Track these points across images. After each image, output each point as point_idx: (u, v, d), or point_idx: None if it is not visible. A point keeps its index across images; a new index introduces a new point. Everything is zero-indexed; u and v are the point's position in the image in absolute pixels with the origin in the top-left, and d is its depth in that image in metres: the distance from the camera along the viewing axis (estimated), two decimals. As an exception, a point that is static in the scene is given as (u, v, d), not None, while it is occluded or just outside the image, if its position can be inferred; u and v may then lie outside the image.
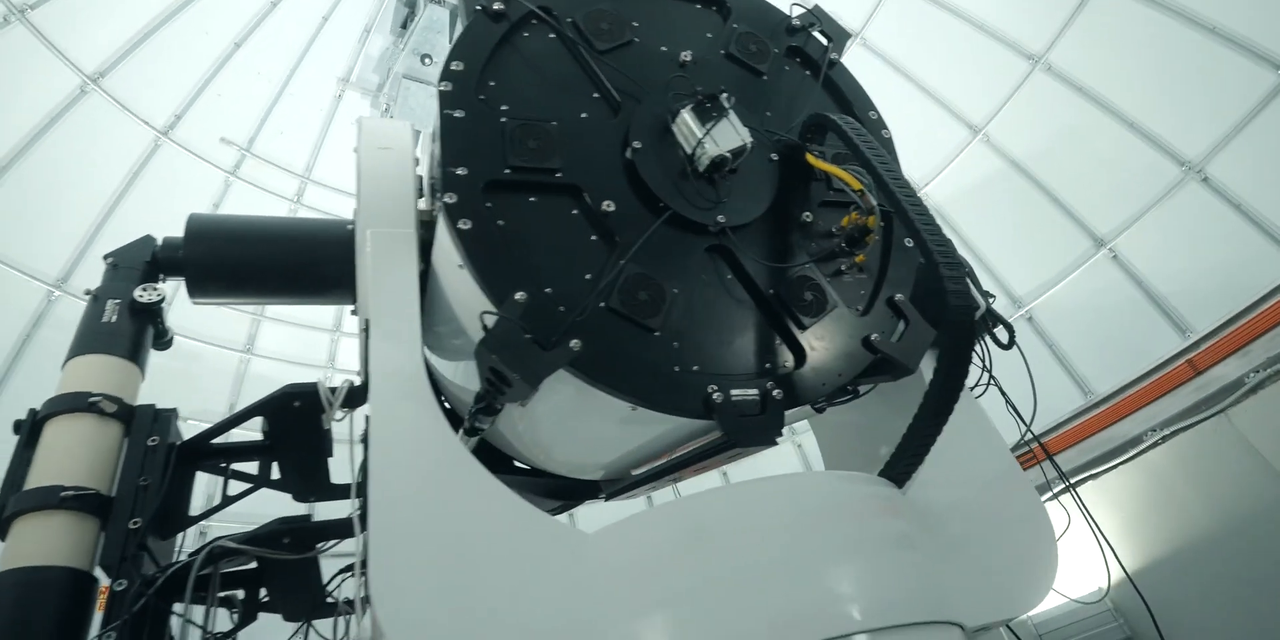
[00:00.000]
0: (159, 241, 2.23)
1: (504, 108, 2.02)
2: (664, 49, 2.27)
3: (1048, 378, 7.75)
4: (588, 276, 1.84)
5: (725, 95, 1.97)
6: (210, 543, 1.48)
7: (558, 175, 1.93)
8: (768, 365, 1.89)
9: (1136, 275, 7.42)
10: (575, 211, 1.94)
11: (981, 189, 8.49)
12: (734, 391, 1.79)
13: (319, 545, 1.56)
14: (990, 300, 2.75)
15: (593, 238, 1.91)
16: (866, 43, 8.89)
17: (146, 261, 2.10)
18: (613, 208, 1.93)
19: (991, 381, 2.90)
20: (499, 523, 1.51)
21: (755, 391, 1.80)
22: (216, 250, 2.10)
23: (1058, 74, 7.81)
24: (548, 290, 1.79)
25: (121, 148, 7.62)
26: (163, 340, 2.13)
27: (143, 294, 1.98)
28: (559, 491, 3.00)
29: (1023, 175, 8.12)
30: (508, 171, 1.90)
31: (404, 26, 9.18)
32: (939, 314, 2.18)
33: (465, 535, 1.46)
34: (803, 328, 1.93)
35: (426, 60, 8.88)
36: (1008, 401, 2.95)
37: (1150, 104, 7.34)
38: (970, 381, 2.01)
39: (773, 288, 1.95)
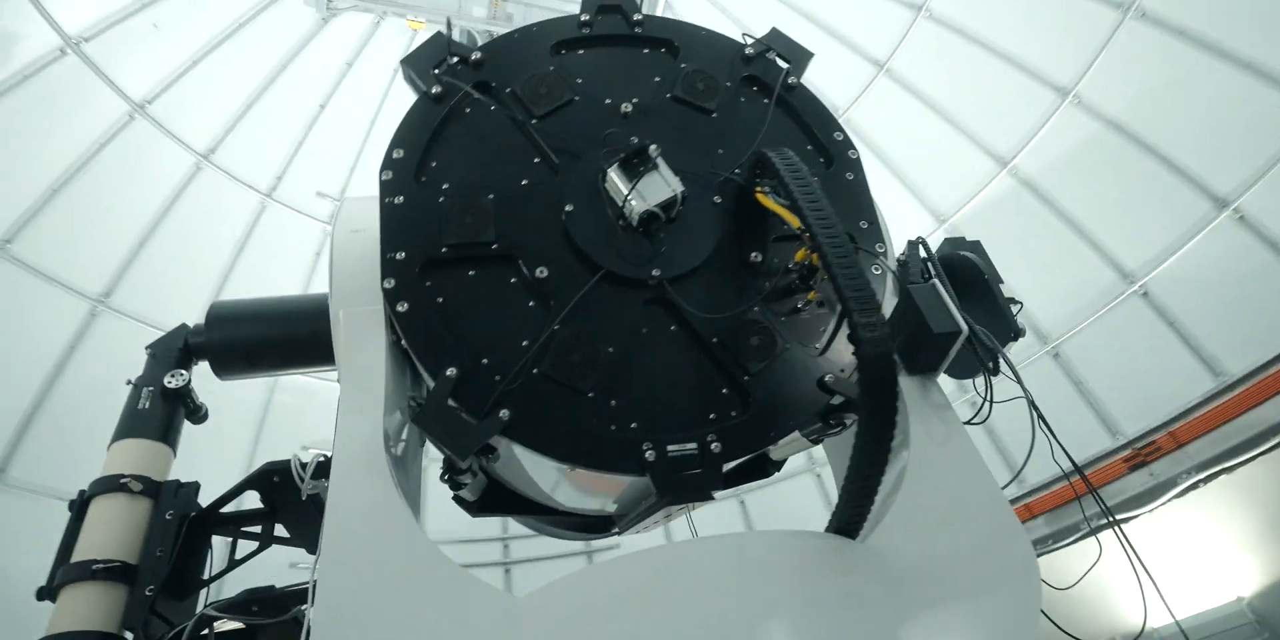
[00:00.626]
0: (190, 327, 2.55)
1: (445, 186, 2.13)
2: (608, 101, 2.28)
3: (1169, 359, 7.05)
4: (524, 343, 1.89)
5: (653, 147, 1.95)
6: (201, 610, 1.72)
7: (493, 247, 2.00)
8: (712, 416, 1.86)
9: (1270, 236, 6.59)
10: (514, 279, 2.00)
11: (1079, 155, 7.84)
12: (671, 447, 1.78)
13: (294, 608, 1.76)
14: (1017, 333, 2.57)
15: (531, 304, 1.96)
16: (931, 14, 8.43)
17: (179, 348, 2.41)
18: (546, 273, 1.97)
19: (1031, 406, 2.70)
20: (435, 590, 1.58)
21: (694, 445, 1.78)
22: (231, 334, 2.37)
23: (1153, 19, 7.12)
24: (484, 361, 1.87)
25: (163, 174, 8.04)
26: (197, 416, 2.44)
27: (171, 380, 2.28)
28: (578, 526, 3.10)
29: (1124, 136, 7.40)
30: (444, 250, 2.00)
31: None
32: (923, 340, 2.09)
33: (402, 603, 1.55)
34: (749, 374, 1.89)
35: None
36: (1046, 427, 2.73)
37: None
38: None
39: (717, 335, 1.91)
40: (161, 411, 2.24)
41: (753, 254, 1.99)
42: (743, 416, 1.84)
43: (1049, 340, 8.00)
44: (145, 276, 7.44)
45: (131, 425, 2.19)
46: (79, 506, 2.03)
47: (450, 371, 1.82)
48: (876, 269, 2.07)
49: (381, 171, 2.16)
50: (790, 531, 1.75)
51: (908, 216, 8.67)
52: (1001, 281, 2.54)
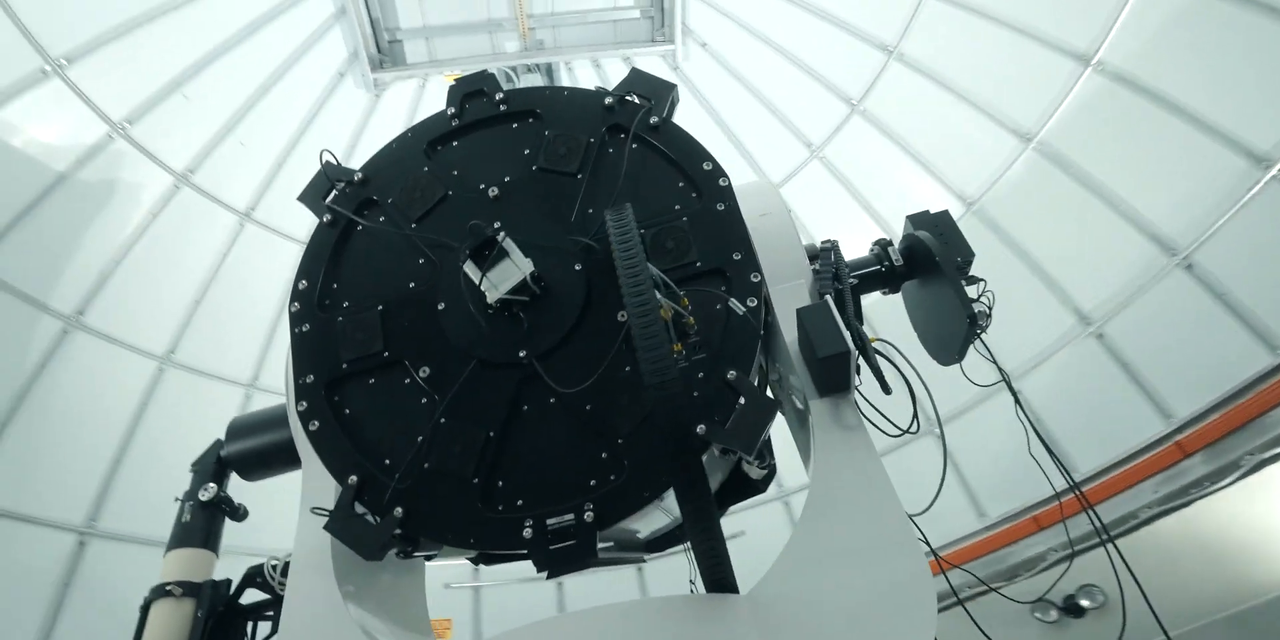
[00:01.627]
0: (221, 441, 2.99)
1: (345, 305, 2.29)
2: (481, 186, 2.36)
3: (1220, 334, 6.58)
4: (420, 439, 2.00)
5: (500, 235, 1.99)
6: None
7: (385, 355, 2.15)
8: (593, 483, 1.86)
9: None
10: (407, 381, 2.12)
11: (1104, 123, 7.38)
12: (551, 520, 1.81)
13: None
14: (971, 317, 2.54)
15: (424, 401, 2.08)
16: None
17: (212, 463, 2.85)
18: (428, 372, 2.09)
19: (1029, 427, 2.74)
20: None
21: (571, 517, 1.80)
22: (245, 444, 2.64)
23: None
24: (387, 462, 2.01)
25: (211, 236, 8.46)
26: (236, 515, 2.88)
27: (204, 493, 2.72)
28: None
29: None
30: (345, 366, 2.16)
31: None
32: None
33: None
34: (622, 437, 1.88)
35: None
36: (1046, 447, 2.78)
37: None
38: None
39: (591, 402, 1.92)
40: (201, 521, 2.67)
41: (619, 314, 1.97)
42: (619, 480, 1.85)
43: (1091, 321, 7.62)
44: (204, 330, 8.05)
45: (177, 536, 2.63)
46: (142, 611, 2.50)
47: (351, 479, 1.96)
48: (751, 300, 2.01)
49: (290, 303, 2.33)
50: (673, 597, 1.77)
51: (932, 198, 8.39)
52: (963, 259, 2.54)
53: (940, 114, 8.34)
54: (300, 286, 2.34)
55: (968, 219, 8.25)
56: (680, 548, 3.00)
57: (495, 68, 9.81)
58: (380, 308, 2.22)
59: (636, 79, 2.50)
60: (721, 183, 2.23)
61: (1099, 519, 2.86)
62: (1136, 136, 7.02)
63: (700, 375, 1.91)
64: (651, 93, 2.43)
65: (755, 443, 1.73)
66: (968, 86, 8.08)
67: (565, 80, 10.31)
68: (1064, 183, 7.56)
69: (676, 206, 2.22)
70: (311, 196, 2.47)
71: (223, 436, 2.79)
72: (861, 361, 2.24)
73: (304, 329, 2.27)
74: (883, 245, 2.95)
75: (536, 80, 9.60)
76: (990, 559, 7.33)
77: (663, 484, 1.82)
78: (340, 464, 2.05)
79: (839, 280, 2.50)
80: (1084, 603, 6.35)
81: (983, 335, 2.90)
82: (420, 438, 2.00)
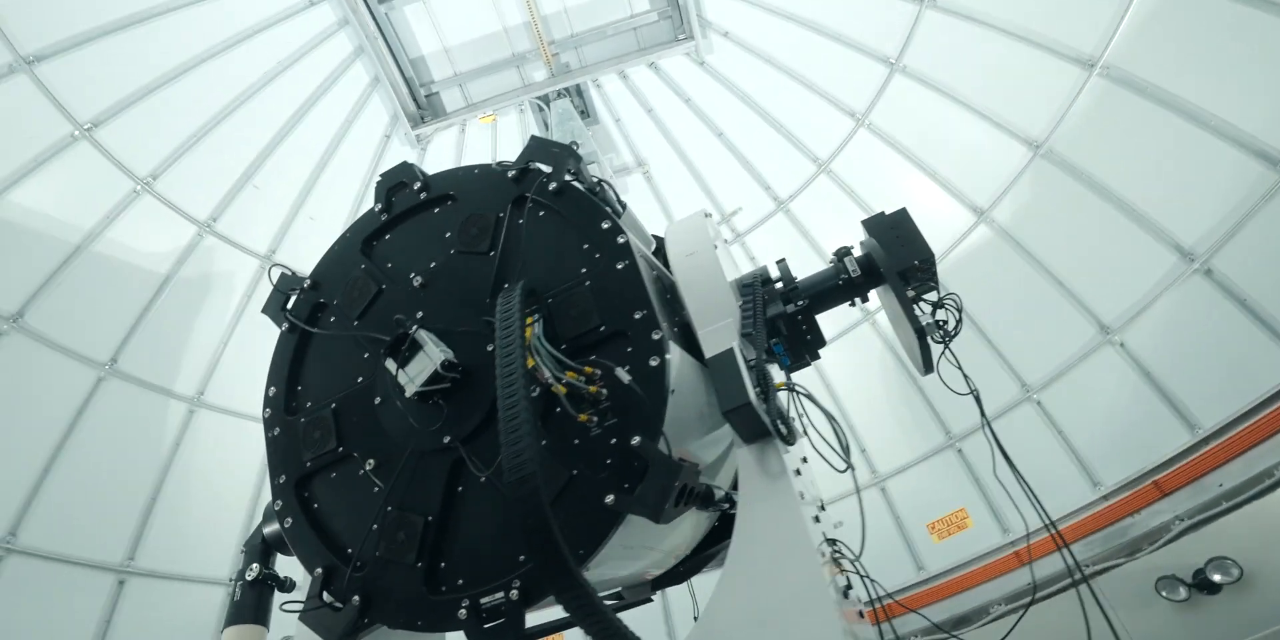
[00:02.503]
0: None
1: (309, 405, 2.42)
2: (411, 276, 2.44)
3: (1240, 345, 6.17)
4: (375, 527, 2.11)
5: (413, 329, 2.07)
6: None
7: (339, 450, 2.29)
8: (521, 559, 1.92)
9: None
10: (361, 472, 2.23)
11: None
12: (484, 600, 1.88)
13: None
14: (919, 330, 2.52)
15: (375, 490, 2.18)
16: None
17: (257, 544, 3.24)
18: (373, 463, 2.19)
19: (1010, 467, 2.69)
20: None
21: (502, 595, 1.87)
22: (274, 527, 3.03)
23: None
24: (349, 550, 2.14)
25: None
26: (283, 587, 3.26)
27: (250, 573, 3.11)
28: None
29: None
30: (308, 464, 2.31)
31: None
32: None
33: None
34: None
35: (575, 145, 9.90)
36: (1023, 485, 2.71)
37: None
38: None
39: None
40: (250, 598, 3.02)
41: (533, 389, 1.95)
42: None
43: (1110, 331, 7.29)
44: (230, 373, 8.33)
45: (230, 615, 3.03)
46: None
47: (317, 571, 2.11)
48: (654, 360, 1.99)
49: (263, 410, 2.49)
50: None
51: (944, 213, 8.37)
52: (921, 262, 2.45)
53: (946, 124, 8.20)
54: (270, 393, 2.51)
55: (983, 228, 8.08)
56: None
57: (527, 99, 10.12)
58: (333, 406, 2.36)
59: (536, 147, 2.55)
60: (619, 240, 2.23)
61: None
62: (1145, 140, 6.70)
63: (613, 441, 1.92)
64: (550, 159, 2.48)
65: (661, 509, 1.74)
66: (972, 96, 7.92)
67: (596, 98, 10.46)
68: (1074, 189, 7.24)
69: (583, 270, 2.24)
70: (273, 307, 2.66)
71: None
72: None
73: (275, 433, 2.45)
74: (840, 256, 2.88)
75: (568, 107, 9.80)
76: (1109, 532, 6.78)
77: (591, 554, 1.86)
78: (309, 557, 2.22)
79: (777, 311, 2.47)
80: (1216, 577, 5.60)
81: (952, 342, 2.80)
82: (376, 525, 2.11)
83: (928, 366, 2.74)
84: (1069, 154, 7.34)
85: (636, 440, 1.84)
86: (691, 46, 10.04)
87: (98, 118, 7.05)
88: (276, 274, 2.82)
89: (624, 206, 2.84)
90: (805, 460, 2.40)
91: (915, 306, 2.66)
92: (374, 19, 9.35)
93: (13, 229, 6.53)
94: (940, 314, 2.76)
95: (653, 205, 10.60)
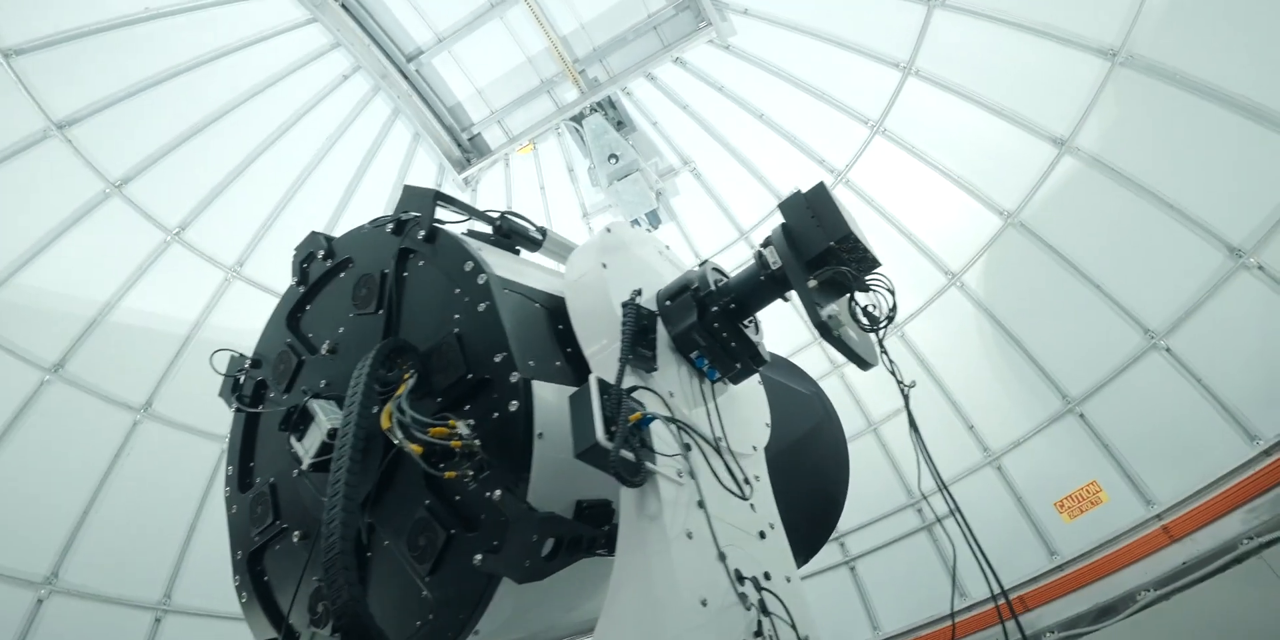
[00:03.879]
0: None
1: (258, 480, 2.51)
2: (325, 343, 2.47)
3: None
4: (293, 600, 2.16)
5: (307, 401, 2.09)
6: None
7: (278, 523, 2.36)
8: (419, 623, 1.90)
9: None
10: (295, 543, 2.29)
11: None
12: None
13: None
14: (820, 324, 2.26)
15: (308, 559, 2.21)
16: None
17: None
18: (298, 535, 2.25)
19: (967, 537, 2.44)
20: None
21: None
22: None
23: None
24: (290, 621, 2.20)
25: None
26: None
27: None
28: None
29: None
30: (255, 539, 2.41)
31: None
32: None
33: None
34: (423, 577, 1.89)
35: (613, 159, 9.91)
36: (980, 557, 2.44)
37: None
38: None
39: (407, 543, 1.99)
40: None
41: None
42: (433, 620, 1.86)
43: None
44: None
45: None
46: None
47: None
48: (513, 404, 1.93)
49: (225, 488, 2.61)
50: None
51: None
52: (838, 243, 2.21)
53: (966, 126, 7.76)
54: (229, 472, 2.62)
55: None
56: None
57: (560, 122, 10.23)
58: (271, 480, 2.45)
59: (407, 196, 2.55)
60: (480, 281, 2.18)
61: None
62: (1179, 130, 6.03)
63: (486, 496, 1.87)
64: (418, 206, 2.46)
65: (520, 567, 1.71)
66: (990, 95, 7.53)
67: (629, 105, 10.38)
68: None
69: (456, 315, 2.21)
70: (225, 390, 2.78)
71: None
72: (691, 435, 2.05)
73: (233, 510, 2.56)
74: (760, 248, 2.67)
75: (600, 122, 9.80)
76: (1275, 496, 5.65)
77: (471, 617, 1.83)
78: (257, 630, 2.31)
79: (687, 323, 2.28)
80: None
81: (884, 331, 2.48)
82: (293, 599, 2.18)
83: (860, 361, 2.43)
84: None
85: (497, 494, 1.81)
86: (713, 32, 9.69)
87: (128, 174, 7.67)
88: (221, 359, 2.95)
89: (543, 233, 2.79)
90: (758, 477, 2.24)
91: (855, 295, 2.37)
92: (406, 78, 9.88)
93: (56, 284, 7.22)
94: (869, 301, 2.46)
95: (706, 202, 10.35)
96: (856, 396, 8.88)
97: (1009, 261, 8.00)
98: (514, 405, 1.89)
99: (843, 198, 9.59)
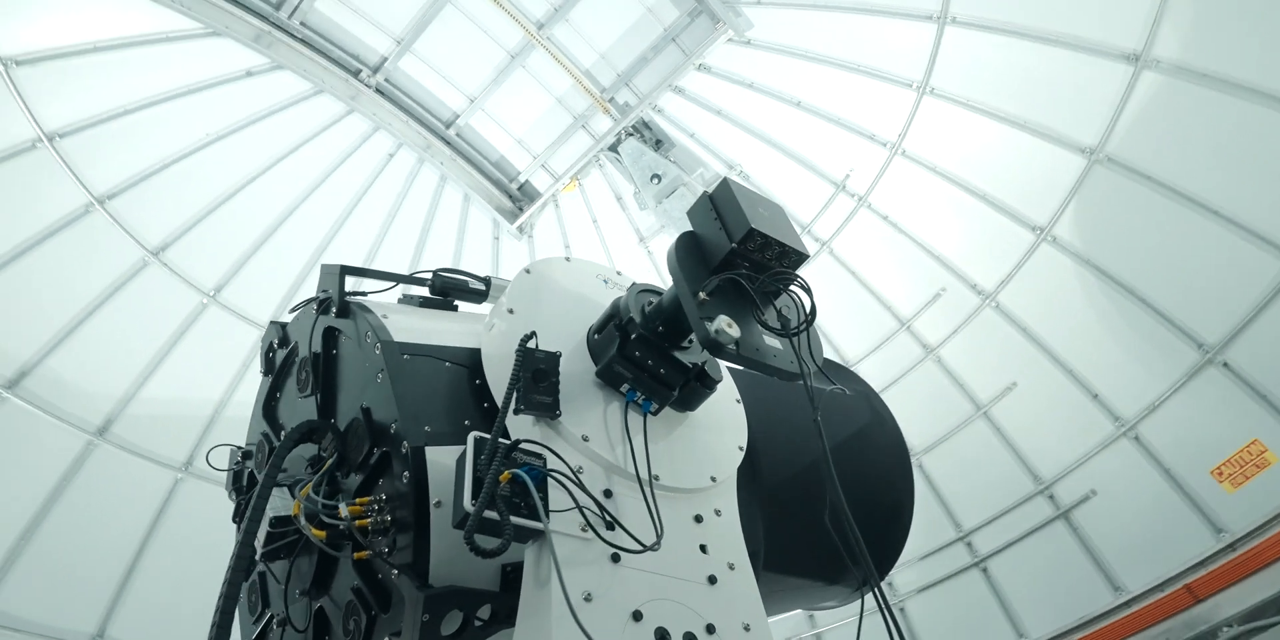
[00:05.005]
0: None
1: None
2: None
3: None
4: None
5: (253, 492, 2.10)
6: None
7: (264, 611, 2.42)
8: None
9: None
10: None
11: None
12: None
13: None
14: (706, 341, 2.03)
15: None
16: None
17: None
18: (276, 621, 2.32)
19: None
20: None
21: None
22: None
23: None
24: None
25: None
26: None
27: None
28: None
29: None
30: (253, 625, 2.46)
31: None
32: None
33: None
34: None
35: (656, 179, 9.83)
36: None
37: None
38: None
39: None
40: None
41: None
42: None
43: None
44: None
45: None
46: None
47: None
48: (405, 475, 1.87)
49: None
50: None
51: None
52: (739, 243, 1.99)
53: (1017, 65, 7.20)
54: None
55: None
56: None
57: (598, 153, 10.29)
58: (260, 569, 2.48)
59: (322, 275, 2.55)
60: (376, 351, 2.13)
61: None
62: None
63: (395, 574, 1.84)
64: (329, 283, 2.47)
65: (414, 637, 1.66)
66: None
67: (663, 123, 10.28)
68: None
69: (364, 388, 2.19)
70: (227, 484, 2.84)
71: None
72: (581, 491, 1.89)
73: (241, 599, 2.63)
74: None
75: (635, 145, 9.77)
76: None
77: None
78: None
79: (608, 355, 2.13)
80: None
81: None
82: None
83: (777, 375, 2.18)
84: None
85: (395, 572, 1.76)
86: (730, 30, 9.45)
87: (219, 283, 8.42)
88: (221, 453, 3.08)
89: (487, 283, 2.71)
90: (719, 511, 2.10)
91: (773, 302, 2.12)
92: (447, 144, 10.33)
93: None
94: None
95: (760, 202, 9.98)
96: (958, 379, 8.13)
97: (1103, 202, 7.08)
98: (406, 475, 1.83)
99: (903, 170, 9.08)
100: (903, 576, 7.85)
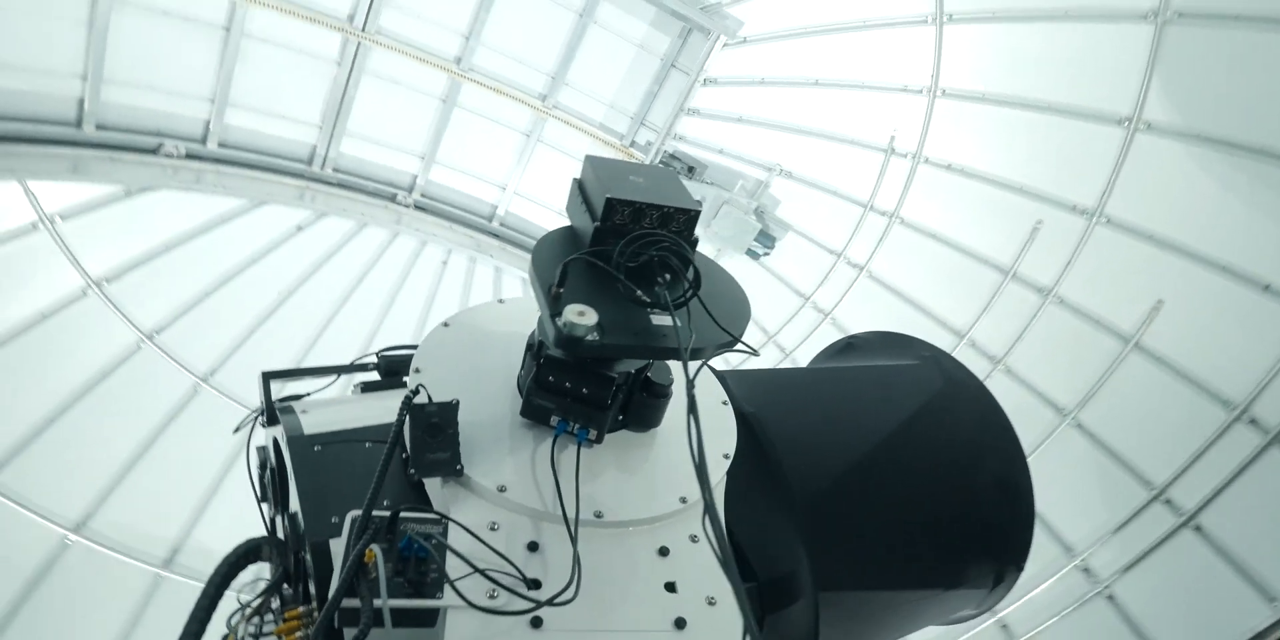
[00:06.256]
0: None
1: None
2: None
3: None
4: None
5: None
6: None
7: None
8: None
9: None
10: None
11: None
12: None
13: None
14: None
15: None
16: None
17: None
18: None
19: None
20: None
21: None
22: None
23: None
24: None
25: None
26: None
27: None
28: None
29: None
30: None
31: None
32: None
33: None
34: None
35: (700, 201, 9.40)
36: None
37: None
38: None
39: None
40: None
41: None
42: None
43: None
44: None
45: None
46: None
47: None
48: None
49: None
50: None
51: None
52: (598, 224, 1.74)
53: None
54: None
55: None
56: None
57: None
58: None
59: (262, 381, 2.49)
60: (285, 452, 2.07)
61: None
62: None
63: None
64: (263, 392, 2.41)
65: None
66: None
67: (687, 149, 9.91)
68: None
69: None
70: None
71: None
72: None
73: None
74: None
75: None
76: None
77: None
78: None
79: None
80: None
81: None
82: None
83: (667, 356, 1.81)
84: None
85: None
86: (722, 36, 9.06)
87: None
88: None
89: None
90: (694, 538, 1.85)
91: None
92: (495, 236, 10.54)
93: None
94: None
95: (812, 194, 9.23)
96: (1091, 314, 6.71)
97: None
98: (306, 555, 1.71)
99: (949, 112, 7.95)
100: (1100, 557, 6.36)
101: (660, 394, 1.90)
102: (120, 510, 8.25)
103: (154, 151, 8.54)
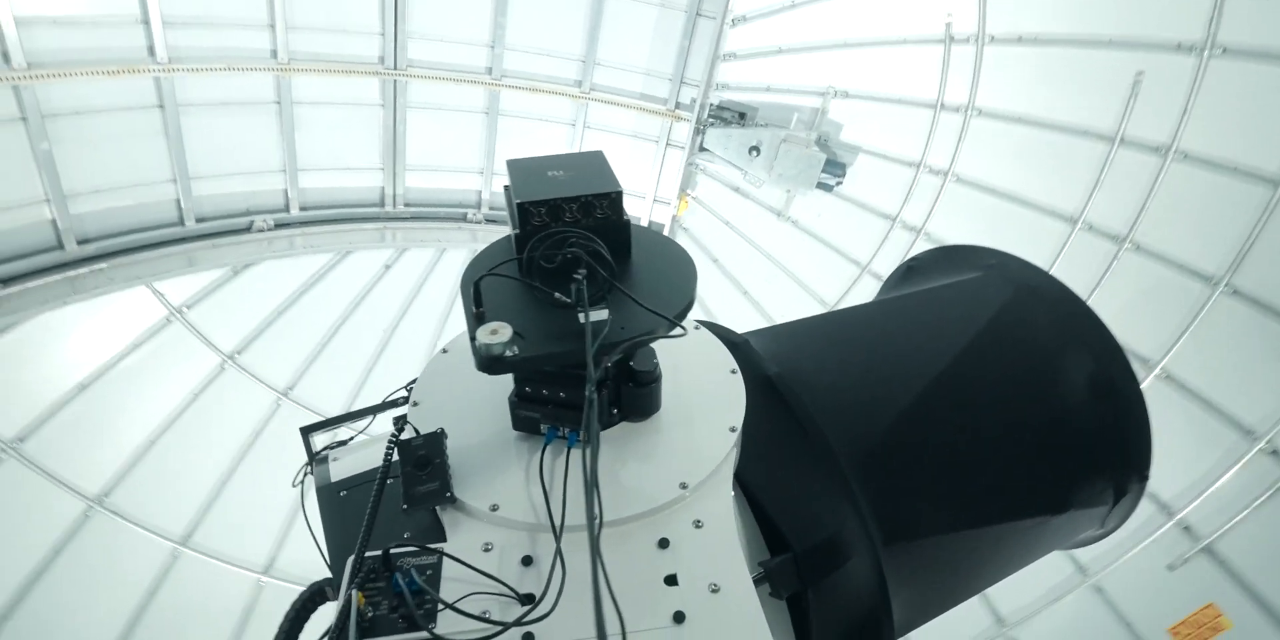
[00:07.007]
0: None
1: None
2: None
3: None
4: None
5: None
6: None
7: None
8: None
9: None
10: None
11: None
12: None
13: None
14: None
15: None
16: None
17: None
18: None
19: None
20: None
21: None
22: None
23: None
24: None
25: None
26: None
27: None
28: None
29: None
30: None
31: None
32: None
33: None
34: None
35: (754, 151, 8.91)
36: None
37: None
38: None
39: None
40: None
41: None
42: None
43: None
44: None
45: None
46: None
47: None
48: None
49: None
50: None
51: None
52: (522, 206, 1.70)
53: None
54: None
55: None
56: None
57: (693, 161, 9.70)
58: None
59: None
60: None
61: None
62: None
63: None
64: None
65: None
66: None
67: (733, 96, 9.40)
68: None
69: None
70: None
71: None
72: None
73: None
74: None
75: (717, 132, 9.05)
76: None
77: None
78: None
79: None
80: None
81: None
82: None
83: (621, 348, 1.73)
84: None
85: None
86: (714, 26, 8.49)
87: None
88: None
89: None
90: (698, 523, 1.79)
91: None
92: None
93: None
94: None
95: (878, 108, 8.48)
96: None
97: None
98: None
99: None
100: (1199, 513, 5.33)
101: (647, 381, 1.85)
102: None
103: (248, 230, 9.22)
